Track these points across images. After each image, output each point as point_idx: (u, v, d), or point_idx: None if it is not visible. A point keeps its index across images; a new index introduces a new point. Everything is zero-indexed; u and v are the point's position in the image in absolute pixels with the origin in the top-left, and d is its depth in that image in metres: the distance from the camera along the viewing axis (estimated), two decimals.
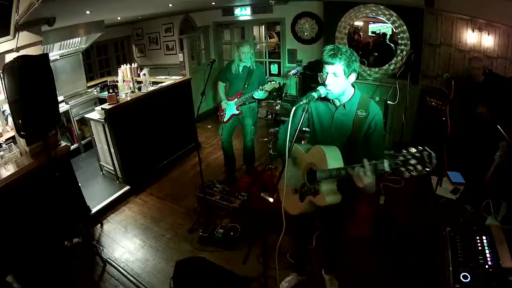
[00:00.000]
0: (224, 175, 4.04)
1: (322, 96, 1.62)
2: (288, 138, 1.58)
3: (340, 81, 1.60)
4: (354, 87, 1.71)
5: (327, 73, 1.60)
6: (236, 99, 3.50)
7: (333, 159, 1.57)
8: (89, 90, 5.21)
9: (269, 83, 3.32)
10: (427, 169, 1.17)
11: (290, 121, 1.54)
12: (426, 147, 1.18)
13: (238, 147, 4.25)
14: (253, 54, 3.47)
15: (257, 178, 3.86)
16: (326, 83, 1.60)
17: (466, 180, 3.20)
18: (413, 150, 1.21)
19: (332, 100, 1.71)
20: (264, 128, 5.59)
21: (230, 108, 3.56)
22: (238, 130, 3.88)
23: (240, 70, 3.47)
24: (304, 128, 1.91)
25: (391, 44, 5.25)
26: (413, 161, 1.19)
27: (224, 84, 3.68)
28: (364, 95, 1.72)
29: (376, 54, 5.27)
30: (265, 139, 3.71)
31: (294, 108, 1.58)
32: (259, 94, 3.38)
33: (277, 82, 3.41)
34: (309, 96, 1.57)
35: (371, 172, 1.36)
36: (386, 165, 1.29)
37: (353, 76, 1.63)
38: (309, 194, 1.69)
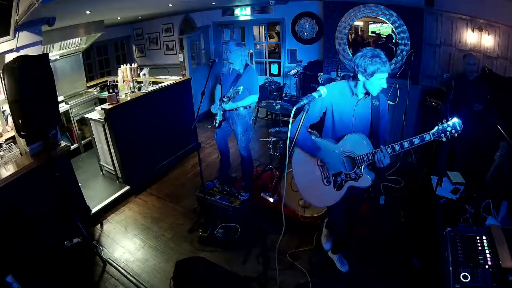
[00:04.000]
0: (218, 173, 3.97)
1: (322, 96, 1.67)
2: (289, 138, 1.60)
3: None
4: None
5: (383, 78, 1.74)
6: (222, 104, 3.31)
7: (369, 143, 1.84)
8: (89, 90, 5.21)
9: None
10: (457, 132, 1.61)
11: (290, 123, 1.57)
12: (454, 118, 1.61)
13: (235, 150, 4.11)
14: (243, 56, 3.19)
15: (257, 178, 3.86)
16: (383, 87, 1.77)
17: (466, 180, 3.19)
18: (445, 121, 1.62)
19: (355, 93, 1.86)
20: (264, 128, 5.59)
21: (218, 114, 3.37)
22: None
23: (230, 72, 3.28)
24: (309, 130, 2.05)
25: (393, 46, 5.24)
26: (449, 128, 1.61)
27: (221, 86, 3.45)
28: None
29: None
30: (265, 139, 3.71)
31: (294, 108, 1.59)
32: (226, 106, 3.22)
33: (237, 89, 3.13)
34: (309, 97, 1.60)
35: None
36: (431, 134, 1.64)
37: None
38: (349, 180, 1.91)
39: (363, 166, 1.86)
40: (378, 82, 1.74)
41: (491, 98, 3.05)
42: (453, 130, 1.59)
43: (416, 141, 1.67)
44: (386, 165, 1.75)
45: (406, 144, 1.69)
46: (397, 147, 1.72)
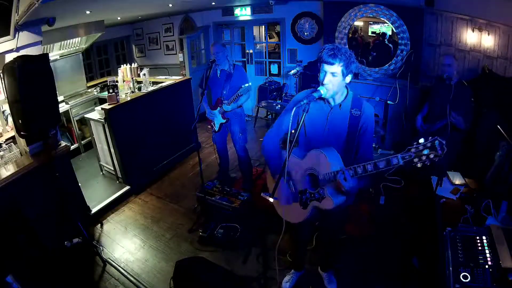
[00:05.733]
0: (217, 174, 3.99)
1: (322, 96, 1.62)
2: (289, 138, 1.58)
3: (337, 81, 1.59)
4: (346, 87, 1.71)
5: (326, 72, 1.59)
6: (218, 108, 3.29)
7: (335, 161, 1.58)
8: (89, 90, 5.21)
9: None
10: (438, 156, 1.23)
11: (290, 122, 1.54)
12: (436, 137, 1.24)
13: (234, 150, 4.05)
14: (227, 55, 3.23)
15: (257, 178, 3.85)
16: (324, 82, 1.59)
17: (466, 180, 3.19)
18: (422, 140, 1.26)
19: (327, 100, 1.70)
20: (264, 128, 5.59)
21: (216, 118, 3.36)
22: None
23: (218, 75, 3.25)
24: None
25: (390, 45, 5.24)
26: (425, 151, 1.25)
27: (207, 91, 3.40)
28: (357, 95, 1.73)
29: (375, 54, 5.27)
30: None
31: (294, 108, 1.57)
32: (227, 108, 3.22)
33: (245, 87, 3.12)
34: (310, 97, 1.57)
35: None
36: (399, 158, 1.32)
37: (349, 77, 1.63)
38: (313, 199, 1.70)
39: (326, 187, 1.61)
40: (321, 74, 1.60)
41: (490, 101, 3.00)
42: (431, 154, 1.23)
43: (381, 165, 1.38)
44: (349, 189, 1.49)
45: (369, 167, 1.42)
46: (359, 170, 1.45)
